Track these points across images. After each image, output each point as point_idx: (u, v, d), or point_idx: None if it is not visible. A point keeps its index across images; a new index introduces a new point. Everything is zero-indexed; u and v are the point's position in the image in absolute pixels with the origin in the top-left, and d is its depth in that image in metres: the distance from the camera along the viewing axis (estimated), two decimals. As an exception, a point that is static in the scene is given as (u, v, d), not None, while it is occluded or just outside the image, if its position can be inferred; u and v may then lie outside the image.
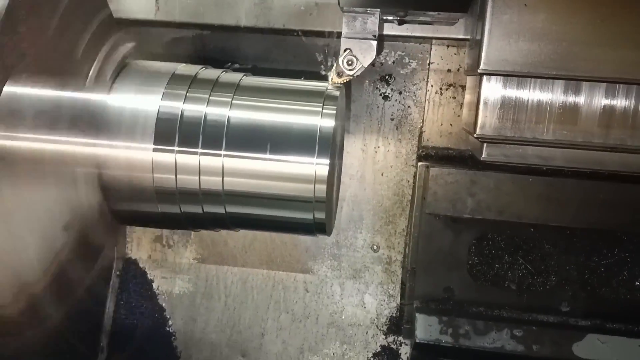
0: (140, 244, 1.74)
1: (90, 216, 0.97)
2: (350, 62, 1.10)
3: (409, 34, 1.43)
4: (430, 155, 1.59)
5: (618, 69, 1.14)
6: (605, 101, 1.18)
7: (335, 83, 1.06)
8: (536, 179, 1.45)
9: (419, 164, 1.57)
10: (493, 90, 1.18)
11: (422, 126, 1.59)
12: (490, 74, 1.18)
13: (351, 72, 1.10)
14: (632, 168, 1.24)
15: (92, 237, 1.00)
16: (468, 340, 1.51)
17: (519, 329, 1.51)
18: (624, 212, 1.46)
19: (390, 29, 1.37)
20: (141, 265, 1.74)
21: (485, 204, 1.48)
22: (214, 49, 1.57)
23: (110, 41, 1.01)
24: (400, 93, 1.59)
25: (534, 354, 1.49)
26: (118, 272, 1.73)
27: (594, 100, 1.18)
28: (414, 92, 1.58)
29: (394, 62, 1.57)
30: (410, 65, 1.57)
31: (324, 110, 0.95)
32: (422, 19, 1.33)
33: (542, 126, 1.20)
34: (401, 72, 1.58)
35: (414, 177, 1.60)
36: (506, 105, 1.19)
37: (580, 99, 1.18)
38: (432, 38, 1.49)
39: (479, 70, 1.16)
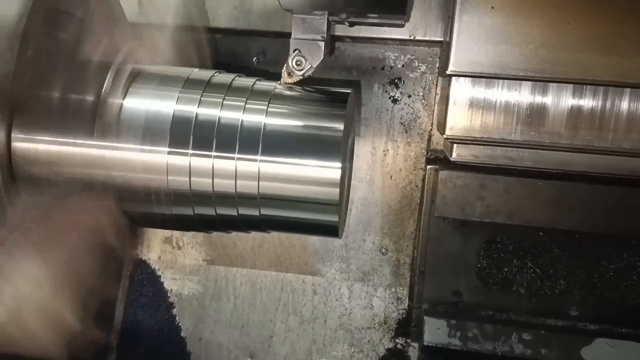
0: (150, 245, 1.75)
1: (105, 219, 0.98)
2: (299, 63, 1.11)
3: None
4: (439, 159, 1.59)
5: (584, 71, 1.16)
6: (572, 102, 1.21)
7: (286, 82, 1.07)
8: (545, 183, 1.45)
9: (428, 167, 1.57)
10: (462, 91, 1.21)
11: (431, 129, 1.59)
12: (458, 75, 1.19)
13: (300, 72, 1.11)
14: (599, 169, 1.27)
15: (106, 239, 1.01)
16: (476, 343, 1.51)
17: (528, 332, 1.51)
18: (633, 217, 1.46)
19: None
20: (151, 266, 1.75)
21: (494, 208, 1.48)
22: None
23: (126, 47, 1.03)
24: (409, 96, 1.59)
25: (543, 358, 1.49)
26: (128, 274, 1.74)
27: (561, 101, 1.20)
28: (423, 96, 1.59)
29: (403, 66, 1.58)
30: (419, 69, 1.57)
31: (335, 116, 0.96)
32: (370, 21, 1.34)
33: (510, 127, 1.22)
34: (410, 75, 1.58)
35: (423, 180, 1.60)
36: (475, 106, 1.22)
37: (548, 101, 1.21)
38: (441, 42, 1.50)
39: (447, 72, 1.18)
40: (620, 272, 1.53)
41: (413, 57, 1.57)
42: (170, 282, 1.75)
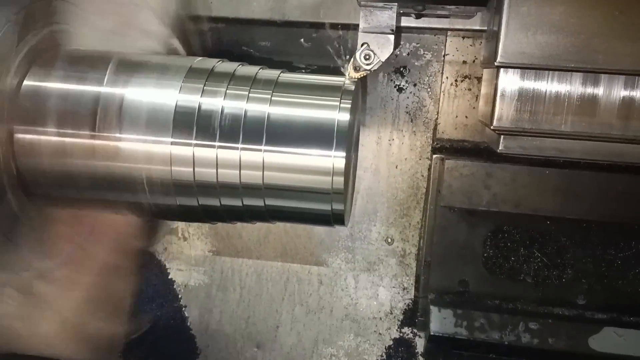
0: (161, 233, 1.75)
1: (116, 218, 0.99)
2: (367, 57, 1.08)
3: (425, 25, 1.43)
4: (445, 148, 1.58)
5: (637, 61, 1.13)
6: (624, 93, 1.16)
7: (352, 77, 1.05)
8: (552, 172, 1.44)
9: (434, 156, 1.56)
10: (510, 82, 1.17)
11: (437, 118, 1.58)
12: (507, 67, 1.17)
13: (368, 67, 1.08)
14: None
15: (122, 237, 1.02)
16: (483, 333, 1.51)
17: (535, 322, 1.50)
18: (640, 205, 1.45)
19: (405, 21, 1.36)
20: (157, 257, 1.75)
21: (501, 197, 1.47)
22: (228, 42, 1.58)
23: (125, 36, 1.02)
24: (415, 85, 1.58)
25: (550, 347, 1.48)
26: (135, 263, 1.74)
27: (613, 91, 1.17)
28: (429, 84, 1.57)
29: (408, 54, 1.56)
30: (425, 57, 1.56)
31: (341, 105, 0.95)
32: (439, 12, 1.32)
33: (560, 118, 1.18)
34: (416, 64, 1.57)
35: (429, 169, 1.59)
36: (523, 97, 1.18)
37: (599, 91, 1.17)
38: (447, 29, 1.48)
39: (495, 63, 1.15)
40: (629, 260, 1.52)
41: (418, 45, 1.56)
42: (176, 273, 1.75)
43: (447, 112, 1.57)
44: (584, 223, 1.51)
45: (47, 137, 0.92)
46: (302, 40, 1.57)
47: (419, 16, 1.27)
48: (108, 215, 1.02)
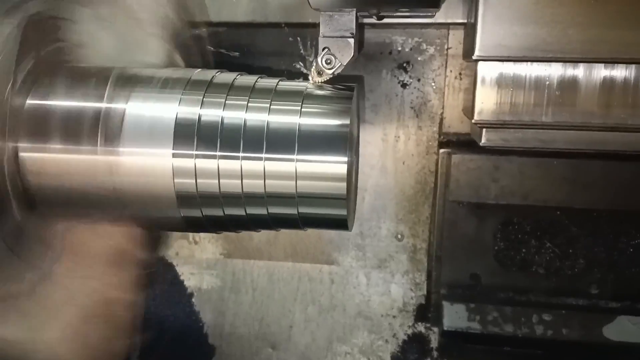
0: (167, 242, 1.76)
1: (121, 231, 1.00)
2: (329, 61, 1.09)
3: (426, 21, 1.42)
4: (451, 142, 1.57)
5: (615, 49, 1.13)
6: (603, 80, 1.17)
7: (316, 82, 1.06)
8: (560, 162, 1.43)
9: (441, 151, 1.55)
10: (489, 75, 1.18)
11: (442, 113, 1.57)
12: (485, 60, 1.17)
13: (330, 71, 1.09)
14: (634, 147, 1.22)
15: (127, 249, 1.03)
16: (496, 326, 1.51)
17: (548, 313, 1.50)
18: (651, 193, 1.43)
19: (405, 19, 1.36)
20: (170, 262, 1.77)
21: (509, 189, 1.47)
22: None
23: (125, 50, 1.03)
24: (419, 80, 1.57)
25: (564, 338, 1.48)
26: (147, 271, 1.75)
27: (592, 80, 1.17)
28: (433, 79, 1.56)
29: (411, 49, 1.56)
30: (428, 52, 1.55)
31: (337, 111, 0.96)
32: (398, 14, 1.31)
33: (540, 109, 1.19)
34: (419, 59, 1.56)
35: (436, 164, 1.59)
36: (503, 89, 1.19)
37: (579, 80, 1.17)
38: (449, 24, 1.48)
39: (474, 57, 1.16)
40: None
41: (421, 39, 1.55)
42: (189, 277, 1.77)
43: (453, 106, 1.57)
44: (594, 212, 1.50)
45: (51, 154, 0.93)
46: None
47: (380, 18, 1.27)
48: (111, 227, 1.02)
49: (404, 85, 1.58)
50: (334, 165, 0.92)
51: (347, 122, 0.94)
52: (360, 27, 1.18)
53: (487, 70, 1.18)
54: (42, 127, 0.93)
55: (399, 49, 1.56)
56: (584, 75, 1.17)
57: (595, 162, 1.42)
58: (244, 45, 1.58)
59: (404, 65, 1.57)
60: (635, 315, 1.49)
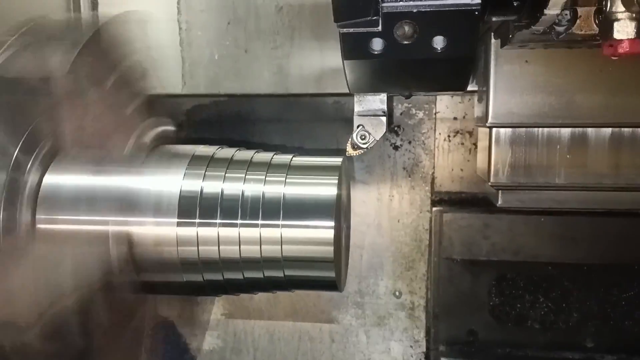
0: (170, 303, 1.79)
1: (122, 287, 1.04)
2: (363, 137, 1.20)
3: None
4: (444, 200, 1.63)
5: (620, 114, 1.19)
6: (611, 143, 1.23)
7: (350, 154, 1.16)
8: (548, 219, 1.48)
9: (434, 209, 1.61)
10: (503, 140, 1.24)
11: (433, 172, 1.64)
12: (498, 127, 1.24)
13: (365, 146, 1.20)
14: None
15: (124, 305, 1.08)
16: (495, 382, 1.52)
17: (545, 367, 1.52)
18: (638, 246, 1.48)
19: None
20: (171, 323, 1.79)
21: (500, 246, 1.51)
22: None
23: (141, 127, 1.12)
24: (410, 142, 1.64)
25: (562, 392, 1.49)
26: (149, 332, 1.78)
27: (601, 142, 1.23)
28: (423, 141, 1.64)
29: (401, 114, 1.64)
30: (417, 116, 1.63)
31: (327, 182, 1.03)
32: (425, 94, 1.41)
33: (553, 171, 1.24)
34: (409, 122, 1.64)
35: (430, 222, 1.64)
36: (517, 153, 1.25)
37: (588, 142, 1.23)
38: (438, 93, 1.57)
39: (487, 124, 1.23)
40: (632, 300, 1.53)
41: (410, 105, 1.63)
42: (190, 338, 1.79)
43: (443, 166, 1.63)
44: (585, 266, 1.54)
45: (66, 225, 0.99)
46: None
47: (408, 97, 1.37)
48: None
49: (396, 148, 1.65)
50: (322, 230, 0.99)
51: (334, 190, 1.01)
52: (390, 101, 1.28)
53: (501, 136, 1.25)
54: (57, 202, 1.00)
55: (390, 113, 1.64)
56: (592, 138, 1.23)
57: (581, 218, 1.47)
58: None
59: (395, 128, 1.65)
60: (631, 368, 1.50)
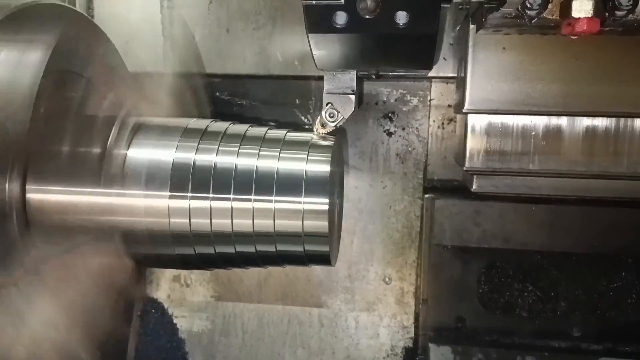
0: (159, 284, 1.80)
1: (113, 262, 1.04)
2: (332, 115, 1.21)
3: (409, 73, 1.52)
4: (436, 187, 1.64)
5: (595, 102, 1.21)
6: (586, 131, 1.24)
7: (320, 133, 1.16)
8: (539, 207, 1.49)
9: (426, 196, 1.62)
10: (479, 126, 1.26)
11: (426, 160, 1.65)
12: (474, 113, 1.25)
13: (333, 123, 1.21)
14: (616, 194, 1.30)
15: (115, 281, 1.07)
16: (481, 368, 1.53)
17: (532, 355, 1.53)
18: (626, 236, 1.49)
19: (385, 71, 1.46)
20: (161, 304, 1.80)
21: (490, 233, 1.52)
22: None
23: (128, 101, 1.11)
24: (403, 129, 1.65)
25: (548, 380, 1.51)
26: (139, 313, 1.78)
27: (575, 130, 1.25)
28: (417, 128, 1.64)
29: (396, 100, 1.64)
30: (411, 103, 1.63)
31: (319, 158, 1.04)
32: (394, 73, 1.41)
33: (527, 157, 1.26)
34: (403, 109, 1.64)
35: (421, 209, 1.65)
36: (492, 139, 1.27)
37: (563, 130, 1.25)
38: (431, 78, 1.57)
39: (464, 110, 1.24)
40: (620, 290, 1.55)
41: (405, 91, 1.63)
42: (180, 320, 1.79)
43: (436, 154, 1.64)
44: (574, 256, 1.55)
45: (56, 195, 0.99)
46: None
47: (377, 77, 1.38)
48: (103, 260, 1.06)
49: (389, 134, 1.65)
50: (316, 205, 0.99)
51: (328, 166, 1.01)
52: (360, 81, 1.28)
53: (477, 122, 1.26)
54: (48, 168, 0.99)
55: (385, 99, 1.64)
56: (567, 126, 1.24)
57: (572, 207, 1.48)
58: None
59: (390, 115, 1.65)
60: (617, 357, 1.52)
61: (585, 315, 1.56)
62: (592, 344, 1.56)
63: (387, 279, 1.70)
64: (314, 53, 1.05)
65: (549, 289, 1.57)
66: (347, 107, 1.23)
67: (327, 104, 1.21)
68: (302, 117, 1.63)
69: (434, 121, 1.63)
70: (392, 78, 1.60)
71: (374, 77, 1.43)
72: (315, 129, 1.19)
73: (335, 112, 1.20)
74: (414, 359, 1.69)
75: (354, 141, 1.65)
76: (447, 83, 1.61)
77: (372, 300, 1.71)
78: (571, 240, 1.51)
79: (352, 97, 1.22)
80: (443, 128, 1.62)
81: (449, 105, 1.61)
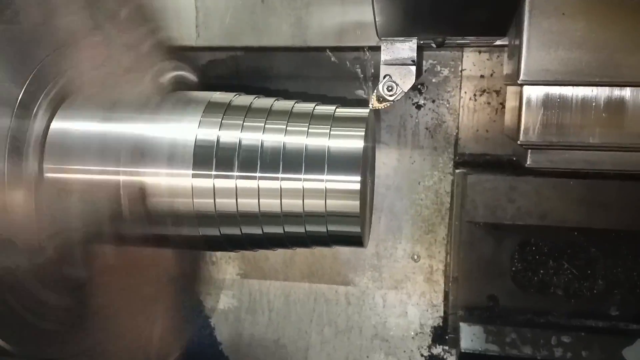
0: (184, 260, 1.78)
1: (135, 240, 1.01)
2: (390, 88, 1.11)
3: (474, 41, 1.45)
4: (467, 162, 1.58)
5: None
6: None
7: (375, 107, 1.08)
8: (577, 182, 1.42)
9: (457, 171, 1.56)
10: (535, 97, 1.17)
11: (457, 133, 1.58)
12: (531, 84, 1.17)
13: (391, 98, 1.11)
14: None
15: (137, 258, 1.05)
16: (514, 348, 1.49)
17: (567, 335, 1.48)
18: (670, 212, 1.42)
19: None
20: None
21: (525, 210, 1.46)
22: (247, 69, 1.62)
23: (158, 67, 1.06)
24: (433, 101, 1.58)
25: (584, 361, 1.46)
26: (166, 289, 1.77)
27: (639, 101, 1.16)
28: (448, 100, 1.57)
29: (426, 71, 1.57)
30: (442, 73, 1.56)
31: (353, 133, 0.97)
32: (459, 42, 1.32)
33: (587, 130, 1.17)
34: (433, 80, 1.57)
35: (452, 185, 1.59)
36: (549, 110, 1.18)
37: (625, 101, 1.16)
38: (464, 45, 1.49)
39: (519, 81, 1.16)
40: (661, 269, 1.49)
41: (435, 61, 1.56)
42: (205, 298, 1.78)
43: (468, 127, 1.57)
44: (613, 233, 1.49)
45: (75, 174, 0.95)
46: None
47: (439, 45, 1.29)
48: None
49: (418, 107, 1.59)
50: (348, 184, 0.94)
51: (361, 142, 0.96)
52: (420, 51, 1.20)
53: (533, 93, 1.18)
54: (66, 149, 0.96)
55: (414, 70, 1.57)
56: (630, 97, 1.15)
57: (612, 182, 1.41)
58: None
59: (419, 87, 1.58)
60: (657, 337, 1.46)
61: (624, 295, 1.51)
62: (630, 323, 1.51)
63: (415, 257, 1.66)
64: (377, 20, 0.98)
65: (586, 268, 1.52)
66: (407, 79, 1.13)
67: (384, 77, 1.12)
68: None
69: (465, 92, 1.56)
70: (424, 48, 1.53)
71: (434, 45, 1.33)
72: (370, 104, 1.11)
73: (394, 85, 1.11)
74: (443, 338, 1.65)
75: (382, 115, 1.59)
76: (480, 52, 1.53)
77: (400, 279, 1.67)
78: (611, 217, 1.44)
79: (413, 68, 1.12)
80: (475, 100, 1.55)
81: (482, 76, 1.54)
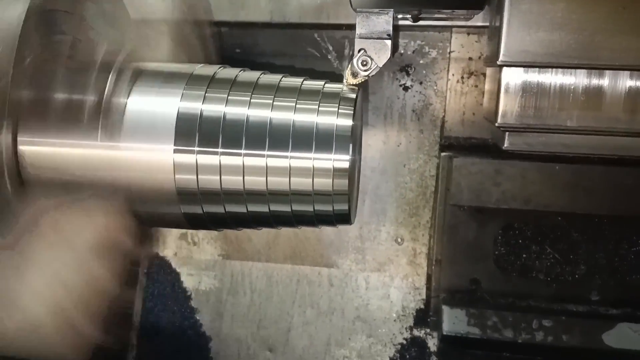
0: (166, 242, 1.75)
1: (115, 221, 0.98)
2: (365, 63, 1.08)
3: (429, 23, 1.42)
4: (453, 145, 1.57)
5: None
6: (629, 86, 1.15)
7: (350, 84, 1.05)
8: (562, 167, 1.42)
9: (442, 154, 1.55)
10: (514, 79, 1.17)
11: (444, 116, 1.57)
12: (510, 65, 1.16)
13: (366, 73, 1.08)
14: None
15: (117, 240, 1.01)
16: (496, 332, 1.49)
17: (548, 319, 1.49)
18: (653, 199, 1.43)
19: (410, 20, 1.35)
20: (168, 262, 1.76)
21: (510, 194, 1.46)
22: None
23: (128, 45, 1.02)
24: (420, 83, 1.57)
25: (564, 344, 1.47)
26: (145, 270, 1.74)
27: (618, 85, 1.16)
28: (435, 82, 1.56)
29: (413, 52, 1.55)
30: (430, 55, 1.55)
31: (340, 110, 0.95)
32: (437, 16, 1.30)
33: (565, 113, 1.17)
34: (421, 62, 1.56)
35: (437, 168, 1.58)
36: (528, 93, 1.17)
37: (604, 85, 1.16)
38: (452, 27, 1.48)
39: (498, 62, 1.15)
40: (641, 254, 1.50)
41: (423, 42, 1.55)
42: (187, 278, 1.76)
43: (454, 110, 1.56)
44: (596, 218, 1.49)
45: (50, 147, 0.92)
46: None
47: (416, 20, 1.27)
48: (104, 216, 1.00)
49: (405, 89, 1.57)
50: (336, 162, 0.92)
51: (350, 119, 0.93)
52: (395, 28, 1.17)
53: (512, 75, 1.17)
54: (41, 120, 0.92)
55: (401, 51, 1.55)
56: (609, 80, 1.15)
57: (597, 167, 1.41)
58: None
59: (406, 68, 1.56)
60: (636, 322, 1.47)
61: (604, 279, 1.52)
62: (610, 308, 1.52)
63: (399, 240, 1.65)
64: None
65: (568, 252, 1.52)
66: (382, 54, 1.10)
67: (359, 51, 1.09)
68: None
69: (453, 75, 1.55)
70: (409, 28, 1.51)
71: (410, 20, 1.31)
72: (345, 79, 1.08)
73: (369, 60, 1.08)
74: (425, 321, 1.65)
75: (369, 96, 1.58)
76: (469, 34, 1.52)
77: (383, 261, 1.66)
78: (594, 202, 1.44)
79: (388, 42, 1.09)
80: (463, 82, 1.54)
81: (470, 58, 1.53)
